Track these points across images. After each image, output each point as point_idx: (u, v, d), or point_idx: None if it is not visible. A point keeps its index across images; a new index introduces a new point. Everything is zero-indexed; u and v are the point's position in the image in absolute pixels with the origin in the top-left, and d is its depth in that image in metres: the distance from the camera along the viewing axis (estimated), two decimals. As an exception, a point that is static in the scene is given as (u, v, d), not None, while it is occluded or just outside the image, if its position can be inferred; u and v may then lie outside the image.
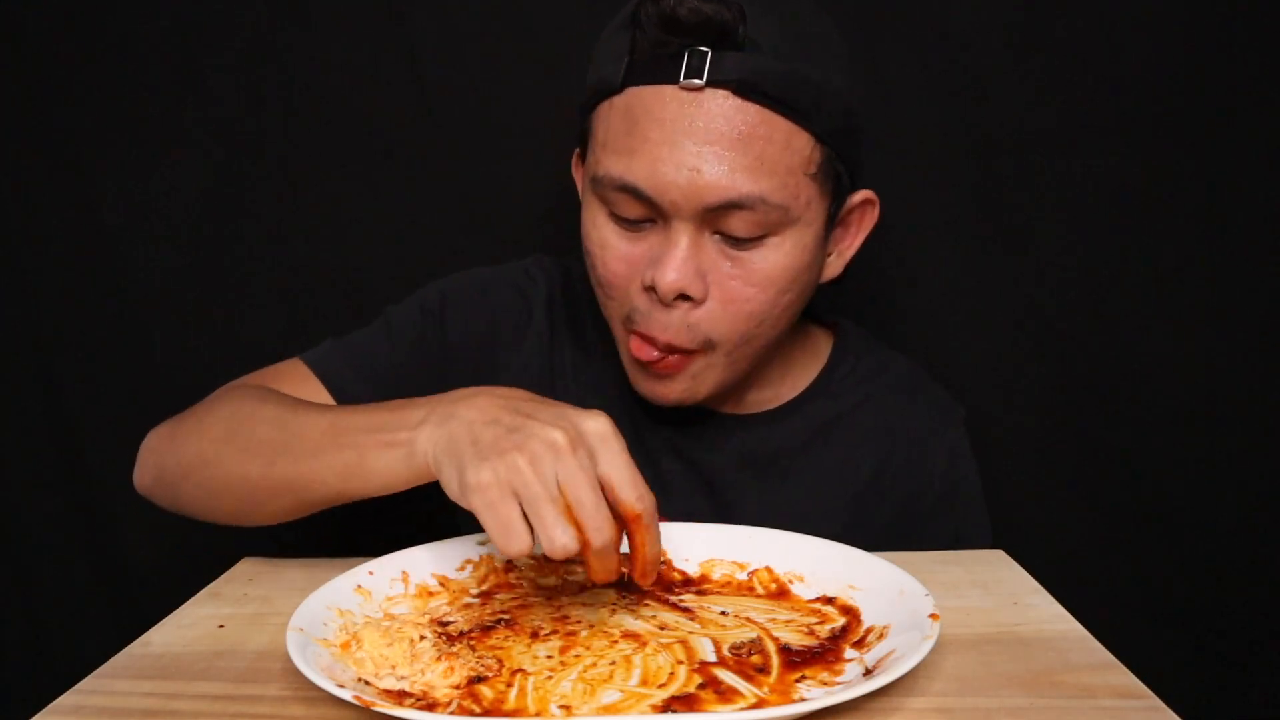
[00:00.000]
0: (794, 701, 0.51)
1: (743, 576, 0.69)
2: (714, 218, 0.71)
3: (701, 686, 0.53)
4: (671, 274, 0.71)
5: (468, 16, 1.05)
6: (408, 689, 0.54)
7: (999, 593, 0.67)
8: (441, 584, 0.68)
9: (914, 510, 0.84)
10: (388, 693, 0.53)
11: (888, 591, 0.61)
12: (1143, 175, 1.03)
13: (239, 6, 1.07)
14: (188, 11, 1.07)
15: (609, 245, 0.75)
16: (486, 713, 0.51)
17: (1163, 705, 0.51)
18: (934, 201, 1.06)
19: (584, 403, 0.81)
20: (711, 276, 0.72)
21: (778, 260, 0.72)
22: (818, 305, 0.90)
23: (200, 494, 0.75)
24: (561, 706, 0.51)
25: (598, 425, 0.58)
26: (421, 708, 0.51)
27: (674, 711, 0.51)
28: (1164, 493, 1.07)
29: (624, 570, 0.70)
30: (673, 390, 0.77)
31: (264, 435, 0.71)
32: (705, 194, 0.69)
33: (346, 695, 0.49)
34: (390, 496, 0.95)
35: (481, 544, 0.71)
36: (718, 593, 0.68)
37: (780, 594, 0.67)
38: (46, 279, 1.12)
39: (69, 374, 1.13)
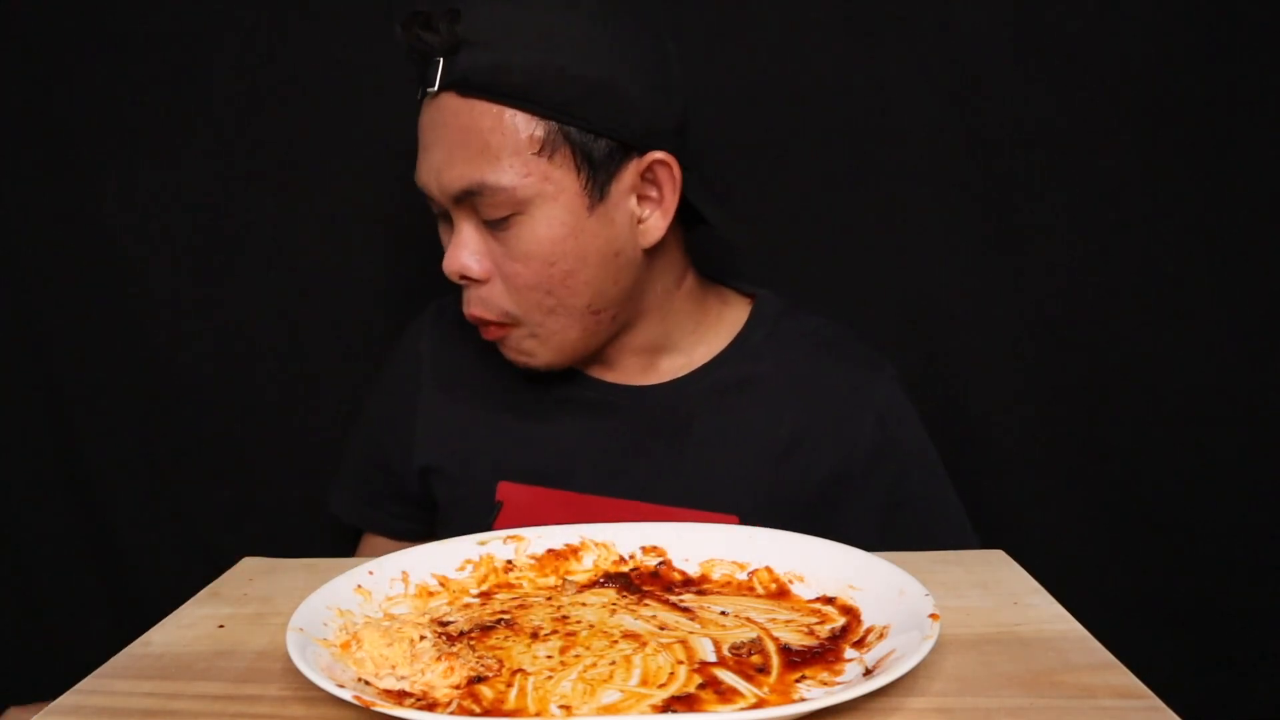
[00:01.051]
0: (794, 701, 0.51)
1: (743, 576, 0.69)
2: (465, 206, 0.80)
3: (701, 686, 0.53)
4: (448, 259, 0.81)
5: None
6: (408, 689, 0.54)
7: (999, 593, 0.67)
8: (441, 584, 0.68)
9: (845, 470, 0.85)
10: (388, 693, 0.53)
11: (888, 591, 0.61)
12: (1143, 175, 1.03)
13: (239, 6, 1.07)
14: (188, 11, 1.07)
15: (443, 243, 0.85)
16: (486, 713, 0.51)
17: (1163, 705, 0.51)
18: (934, 201, 1.06)
19: (484, 410, 0.90)
20: (492, 258, 0.81)
21: (532, 235, 0.79)
22: (738, 274, 0.94)
23: None
24: (561, 706, 0.51)
25: None
26: (421, 708, 0.51)
27: (674, 711, 0.51)
28: (1164, 493, 1.07)
29: (625, 569, 0.70)
30: (517, 357, 0.85)
31: None
32: (446, 188, 0.79)
33: (346, 695, 0.49)
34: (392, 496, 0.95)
35: (481, 544, 0.71)
36: (718, 593, 0.68)
37: (780, 594, 0.67)
38: (46, 279, 1.12)
39: (69, 374, 1.13)
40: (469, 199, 0.79)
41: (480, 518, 0.87)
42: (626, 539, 0.73)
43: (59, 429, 1.14)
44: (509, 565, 0.71)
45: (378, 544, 0.96)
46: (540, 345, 0.84)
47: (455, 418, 0.92)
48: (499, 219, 0.79)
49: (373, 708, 0.48)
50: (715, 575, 0.70)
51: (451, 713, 0.51)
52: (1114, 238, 1.04)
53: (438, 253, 1.07)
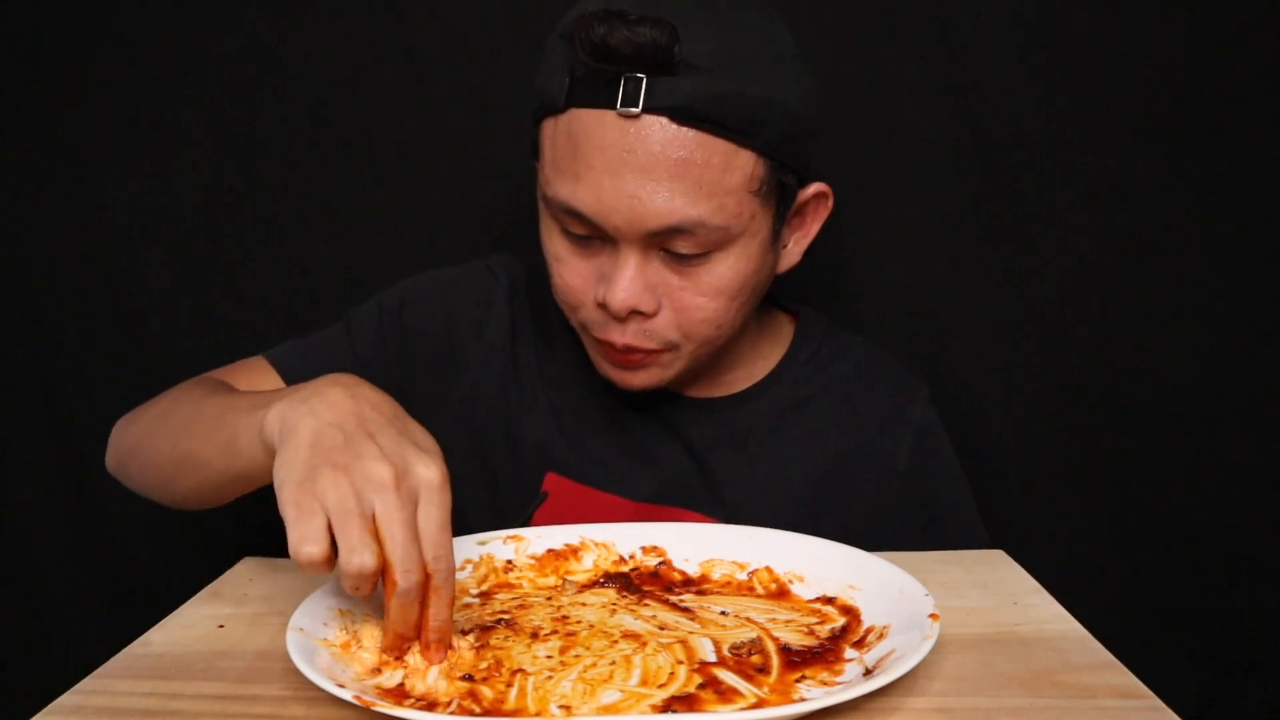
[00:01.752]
0: (794, 701, 0.51)
1: (743, 576, 0.69)
2: (658, 240, 0.73)
3: (701, 686, 0.53)
4: (621, 294, 0.73)
5: (467, 16, 1.05)
6: (407, 687, 0.54)
7: (999, 593, 0.67)
8: (441, 584, 0.68)
9: (884, 489, 0.86)
10: (388, 692, 0.53)
11: (888, 591, 0.61)
12: (1143, 175, 1.03)
13: (239, 6, 1.07)
14: (188, 12, 1.07)
15: (564, 260, 0.77)
16: (486, 713, 0.51)
17: (1163, 705, 0.51)
18: (934, 201, 1.06)
19: (550, 396, 0.87)
20: (662, 289, 0.75)
21: (724, 273, 0.75)
22: (782, 292, 0.91)
23: (138, 472, 0.80)
24: (561, 706, 0.51)
25: (429, 473, 0.55)
26: (421, 708, 0.51)
27: (674, 711, 0.51)
28: (1164, 493, 1.07)
29: (625, 569, 0.70)
30: (639, 378, 0.80)
31: (182, 416, 0.75)
32: (647, 221, 0.71)
33: (346, 695, 0.49)
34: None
35: (481, 544, 0.71)
36: (718, 593, 0.68)
37: (780, 594, 0.67)
38: (46, 279, 1.12)
39: (69, 374, 1.13)
40: (667, 234, 0.72)
41: (518, 503, 0.85)
42: (626, 539, 0.73)
43: (59, 429, 1.14)
44: (509, 565, 0.71)
45: (258, 373, 0.86)
46: (682, 364, 0.80)
47: (513, 389, 0.88)
48: (694, 255, 0.73)
49: (373, 708, 0.48)
50: (715, 575, 0.70)
51: (451, 713, 0.51)
52: (1114, 237, 1.04)
53: (437, 251, 1.08)
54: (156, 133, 1.09)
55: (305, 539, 0.53)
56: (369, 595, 0.55)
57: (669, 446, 0.86)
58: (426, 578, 0.55)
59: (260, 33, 1.07)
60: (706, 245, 0.73)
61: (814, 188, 0.80)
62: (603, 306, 0.75)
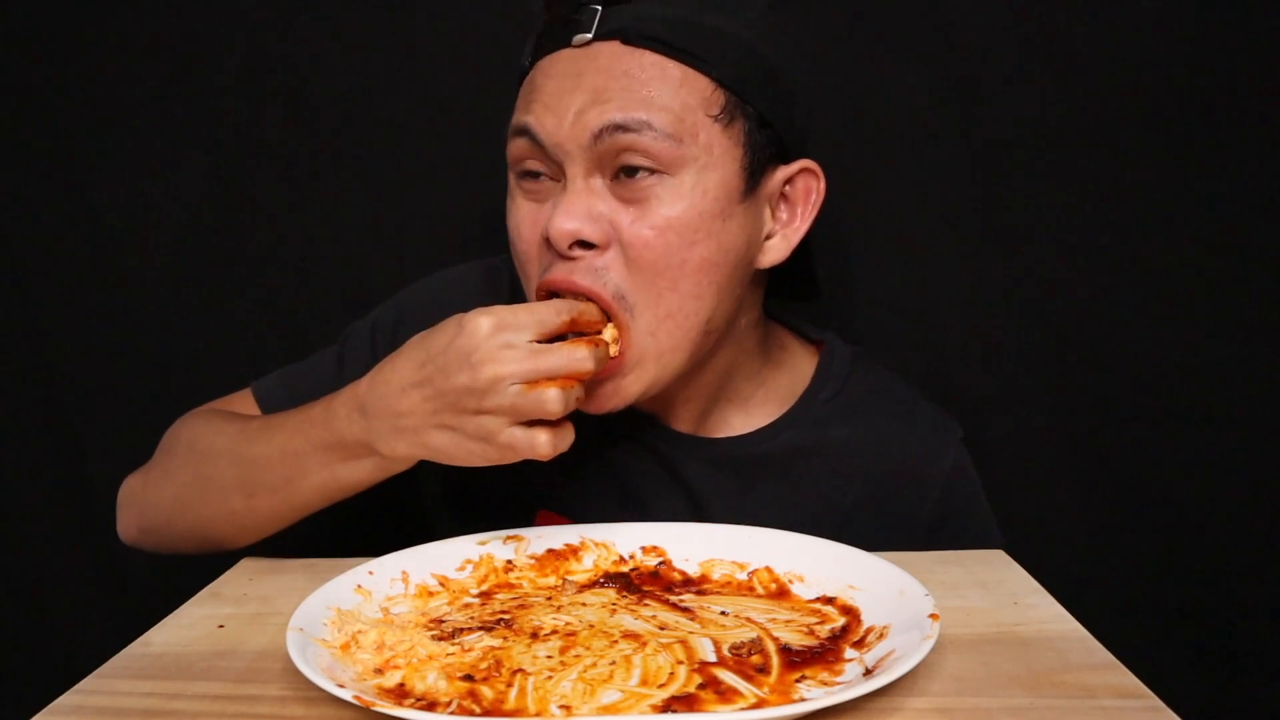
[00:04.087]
0: (794, 701, 0.51)
1: (743, 576, 0.69)
2: (605, 157, 0.69)
3: (701, 686, 0.53)
4: (561, 218, 0.69)
5: (468, 16, 1.05)
6: (407, 687, 0.54)
7: (999, 593, 0.67)
8: (441, 584, 0.68)
9: (904, 536, 0.79)
10: (388, 692, 0.53)
11: (888, 591, 0.61)
12: (1142, 175, 1.03)
13: (239, 7, 1.07)
14: (188, 12, 1.07)
15: (519, 214, 0.74)
16: (486, 713, 0.51)
17: (1163, 705, 0.51)
18: (934, 201, 1.06)
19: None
20: (612, 221, 0.70)
21: (676, 201, 0.69)
22: (805, 318, 0.89)
23: (189, 534, 0.79)
24: (561, 706, 0.51)
25: (468, 322, 0.64)
26: (421, 708, 0.51)
27: (674, 711, 0.51)
28: (1164, 493, 1.07)
29: (625, 569, 0.70)
30: (605, 396, 0.72)
31: (230, 474, 0.75)
32: (590, 123, 0.68)
33: (346, 695, 0.49)
34: (393, 499, 0.94)
35: (481, 544, 0.71)
36: (718, 593, 0.68)
37: (780, 594, 0.67)
38: (46, 279, 1.12)
39: (69, 374, 1.13)
40: (612, 139, 0.68)
41: None
42: (626, 539, 0.73)
43: (59, 429, 1.14)
44: (509, 565, 0.71)
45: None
46: (640, 372, 0.72)
47: None
48: (640, 170, 0.69)
49: (373, 708, 0.48)
50: (715, 575, 0.70)
51: (451, 713, 0.51)
52: (1113, 237, 1.04)
53: (438, 252, 1.08)
54: (156, 133, 1.09)
55: (530, 447, 0.65)
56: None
57: (668, 489, 0.81)
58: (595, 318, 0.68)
59: (261, 33, 1.07)
60: (656, 157, 0.68)
61: (799, 163, 0.75)
62: (549, 247, 0.71)
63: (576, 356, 0.63)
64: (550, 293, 0.71)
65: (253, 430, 0.76)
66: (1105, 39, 1.01)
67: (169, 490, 0.79)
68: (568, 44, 0.70)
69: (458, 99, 1.07)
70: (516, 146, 0.73)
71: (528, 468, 0.79)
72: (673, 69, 0.69)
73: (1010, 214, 1.05)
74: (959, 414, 0.91)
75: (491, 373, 0.62)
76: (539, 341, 0.64)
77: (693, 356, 0.74)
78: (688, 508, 0.81)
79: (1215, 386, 1.05)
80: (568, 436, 0.65)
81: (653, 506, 0.81)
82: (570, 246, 0.69)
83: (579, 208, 0.69)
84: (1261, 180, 1.02)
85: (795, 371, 0.84)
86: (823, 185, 0.76)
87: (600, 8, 0.69)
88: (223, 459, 0.76)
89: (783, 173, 0.75)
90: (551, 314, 0.65)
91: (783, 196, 0.76)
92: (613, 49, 0.69)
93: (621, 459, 0.82)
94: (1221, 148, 1.02)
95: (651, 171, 0.69)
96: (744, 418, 0.82)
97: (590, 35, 0.69)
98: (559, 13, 0.71)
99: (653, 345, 0.71)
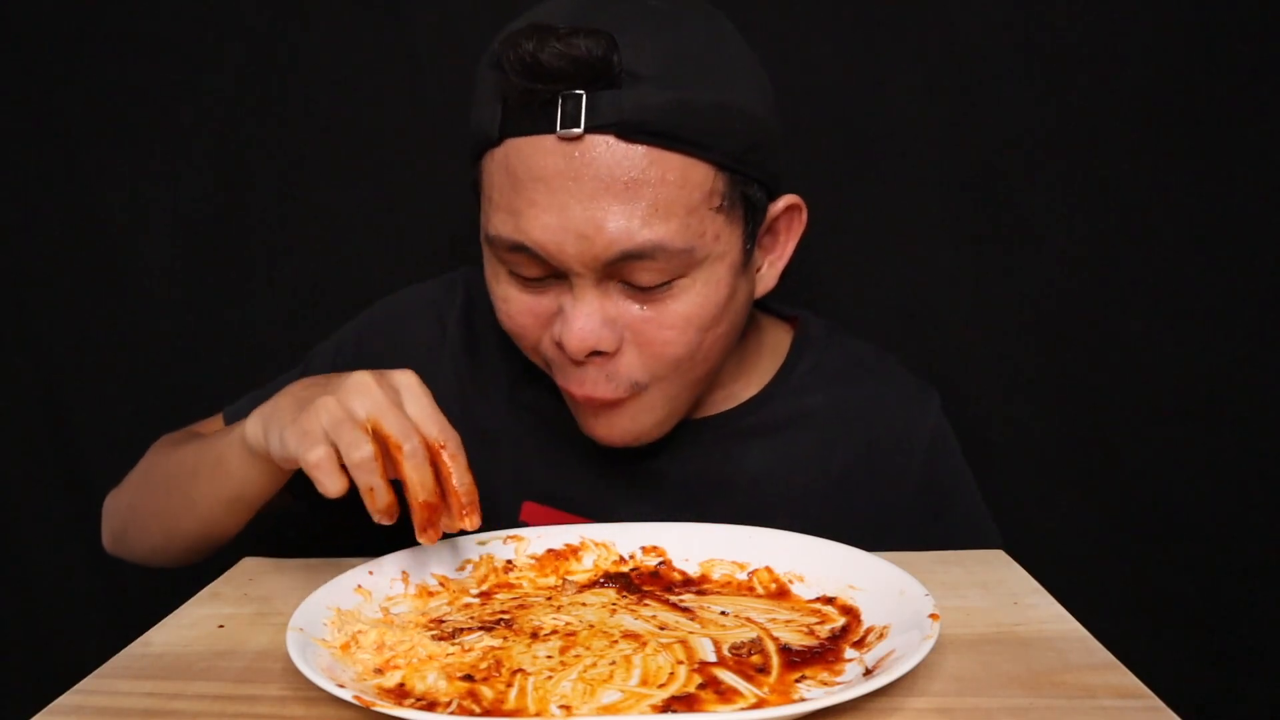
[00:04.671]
0: (794, 701, 0.51)
1: (743, 576, 0.69)
2: (615, 270, 0.67)
3: (701, 686, 0.53)
4: (578, 334, 0.67)
5: (468, 16, 1.05)
6: (407, 687, 0.54)
7: (999, 593, 0.67)
8: (441, 584, 0.68)
9: (895, 501, 0.81)
10: (388, 692, 0.53)
11: (888, 591, 0.61)
12: (1143, 175, 1.03)
13: (239, 6, 1.07)
14: (188, 11, 1.07)
15: (512, 300, 0.72)
16: (486, 713, 0.51)
17: (1163, 705, 0.51)
18: (933, 201, 1.06)
19: (525, 422, 0.83)
20: (624, 323, 0.69)
21: (692, 301, 0.68)
22: (779, 295, 0.88)
23: (136, 538, 0.82)
24: (561, 706, 0.51)
25: (405, 377, 0.62)
26: (421, 708, 0.51)
27: (674, 711, 0.51)
28: (1164, 493, 1.07)
29: (625, 569, 0.70)
30: (615, 431, 0.74)
31: (163, 472, 0.78)
32: (600, 251, 0.65)
33: (346, 695, 0.49)
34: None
35: (481, 544, 0.71)
36: (718, 593, 0.68)
37: (780, 594, 0.67)
38: (46, 279, 1.12)
39: (69, 374, 1.13)
40: (625, 262, 0.66)
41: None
42: (626, 539, 0.73)
43: (59, 429, 1.14)
44: (509, 565, 0.71)
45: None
46: (658, 413, 0.73)
47: (478, 417, 0.81)
48: (656, 285, 0.67)
49: (373, 708, 0.48)
50: (715, 575, 0.70)
51: (451, 713, 0.51)
52: (1113, 237, 1.04)
53: (438, 253, 1.08)
54: (156, 133, 1.09)
55: (309, 449, 0.58)
56: (393, 516, 0.60)
57: (654, 472, 0.81)
58: (437, 451, 0.60)
59: (261, 33, 1.07)
60: (669, 272, 0.66)
61: (784, 201, 0.74)
62: (560, 347, 0.70)
63: (401, 434, 0.59)
64: (568, 391, 0.73)
65: (198, 436, 0.81)
66: (1106, 39, 1.01)
67: (125, 497, 0.84)
68: (550, 130, 0.64)
69: (459, 100, 1.06)
70: (512, 259, 0.69)
71: (509, 463, 0.82)
72: (673, 162, 0.65)
73: (1010, 214, 1.05)
74: (959, 414, 0.91)
75: (358, 380, 0.61)
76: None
77: (699, 392, 0.77)
78: (678, 485, 0.81)
79: (1215, 386, 1.05)
80: (340, 482, 0.59)
81: (641, 485, 0.81)
82: (586, 357, 0.69)
83: (594, 321, 0.68)
84: (1262, 180, 1.02)
85: (774, 348, 0.85)
86: (804, 215, 0.77)
87: (584, 93, 0.63)
88: (164, 461, 0.80)
89: (770, 213, 0.74)
90: (435, 430, 0.61)
91: (769, 230, 0.76)
92: (606, 145, 0.64)
93: (606, 448, 0.79)
94: (1222, 148, 1.02)
95: (671, 279, 0.68)
96: (727, 396, 0.83)
97: (581, 130, 0.63)
98: (536, 95, 0.64)
99: (667, 405, 0.74)
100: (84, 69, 1.09)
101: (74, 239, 1.11)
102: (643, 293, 0.68)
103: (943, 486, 0.84)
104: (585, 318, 0.67)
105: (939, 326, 1.07)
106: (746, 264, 0.72)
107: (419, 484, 0.59)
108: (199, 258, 1.11)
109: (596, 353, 0.69)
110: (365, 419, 0.60)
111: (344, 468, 0.59)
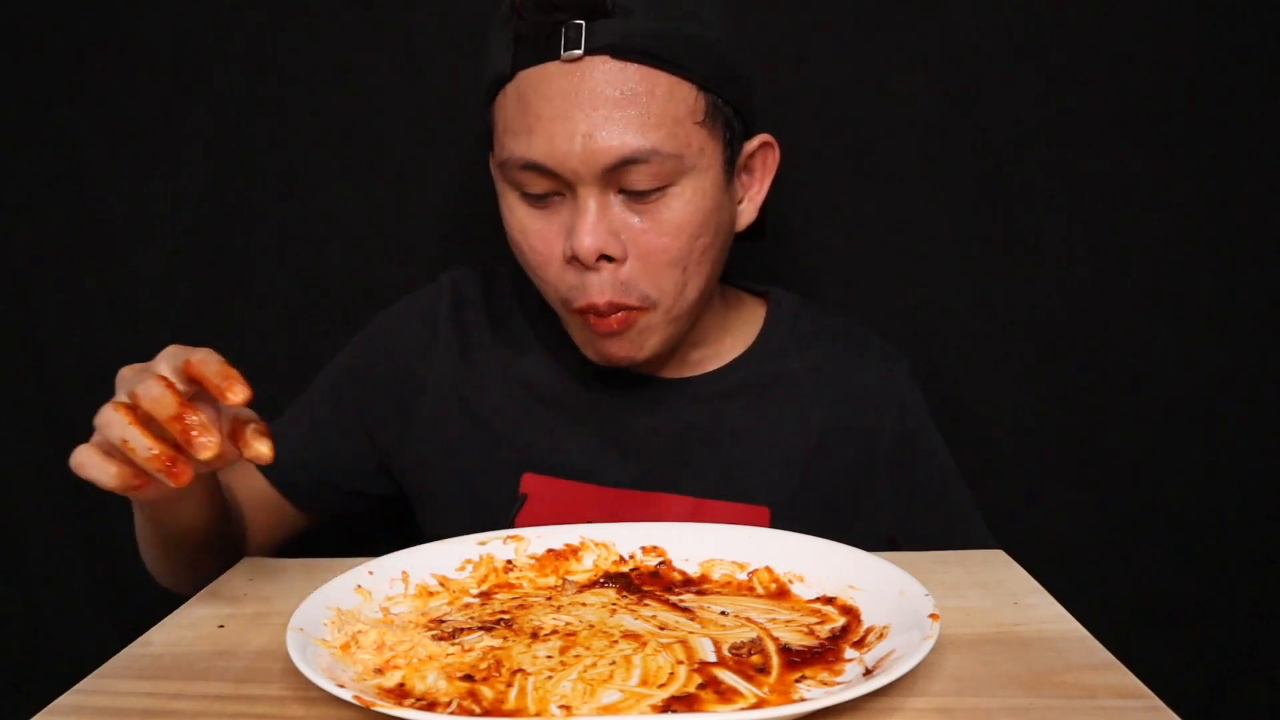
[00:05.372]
0: (794, 701, 0.51)
1: (743, 576, 0.69)
2: (614, 177, 0.75)
3: (701, 686, 0.53)
4: (586, 238, 0.75)
5: (470, 18, 1.05)
6: (407, 687, 0.54)
7: (999, 593, 0.67)
8: (441, 584, 0.68)
9: (870, 461, 0.87)
10: (388, 692, 0.53)
11: (888, 591, 0.61)
12: (1144, 175, 1.03)
13: (239, 6, 1.07)
14: (188, 12, 1.07)
15: (526, 228, 0.79)
16: (486, 713, 0.51)
17: (1163, 705, 0.51)
18: (934, 202, 1.06)
19: (520, 397, 0.88)
20: (625, 235, 0.76)
21: (682, 207, 0.76)
22: (749, 275, 0.93)
23: (171, 583, 0.86)
24: (561, 706, 0.51)
25: (162, 354, 0.66)
26: (421, 708, 0.51)
27: (674, 711, 0.51)
28: (1164, 492, 1.07)
29: (625, 569, 0.70)
30: (619, 347, 0.80)
31: (139, 535, 0.83)
32: (600, 156, 0.73)
33: (346, 695, 0.49)
34: (391, 500, 0.95)
35: (481, 544, 0.71)
36: (718, 593, 0.68)
37: (780, 594, 0.67)
38: (46, 279, 1.12)
39: (69, 375, 1.13)
40: (623, 168, 0.74)
41: (500, 510, 0.84)
42: (626, 539, 0.73)
43: (59, 429, 1.14)
44: (509, 565, 0.71)
45: (254, 488, 0.91)
46: (659, 334, 0.81)
47: (474, 401, 0.89)
48: (651, 190, 0.75)
49: (373, 708, 0.48)
50: (715, 575, 0.70)
51: (451, 713, 0.51)
52: (1114, 238, 1.04)
53: (439, 254, 1.08)
54: (156, 133, 1.09)
55: (77, 459, 0.66)
56: (176, 474, 0.60)
57: (645, 430, 0.86)
58: (191, 367, 0.63)
59: (261, 33, 1.07)
60: (662, 177, 0.75)
61: (759, 139, 0.83)
62: (575, 260, 0.77)
63: (141, 391, 0.63)
64: (589, 305, 0.78)
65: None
66: (1106, 39, 1.01)
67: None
68: (555, 57, 0.74)
69: (459, 100, 1.07)
70: (523, 176, 0.77)
71: (507, 438, 0.87)
72: (661, 80, 0.74)
73: (1011, 214, 1.05)
74: (959, 414, 0.91)
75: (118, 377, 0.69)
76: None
77: (696, 316, 0.83)
78: (668, 445, 0.86)
79: (1215, 387, 1.05)
80: (108, 467, 0.66)
81: (634, 446, 0.86)
82: (596, 261, 0.76)
83: (601, 227, 0.75)
84: (1262, 180, 1.02)
85: (750, 316, 0.92)
86: (777, 154, 0.84)
87: (584, 23, 0.73)
88: (139, 536, 0.84)
89: (747, 149, 0.82)
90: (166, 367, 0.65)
91: (746, 167, 0.83)
92: (603, 65, 0.73)
93: (598, 410, 0.87)
94: (1222, 147, 1.02)
95: (662, 186, 0.75)
96: (711, 356, 0.89)
97: (582, 51, 0.73)
98: (541, 26, 0.74)
99: (670, 320, 0.80)
100: (84, 69, 1.08)
101: (74, 239, 1.11)
102: (640, 201, 0.76)
103: (918, 442, 0.89)
104: (592, 223, 0.75)
105: (939, 326, 1.07)
106: (728, 185, 0.80)
107: (154, 400, 0.61)
108: (199, 258, 1.11)
109: (606, 258, 0.76)
110: (124, 400, 0.64)
111: (118, 456, 0.63)
